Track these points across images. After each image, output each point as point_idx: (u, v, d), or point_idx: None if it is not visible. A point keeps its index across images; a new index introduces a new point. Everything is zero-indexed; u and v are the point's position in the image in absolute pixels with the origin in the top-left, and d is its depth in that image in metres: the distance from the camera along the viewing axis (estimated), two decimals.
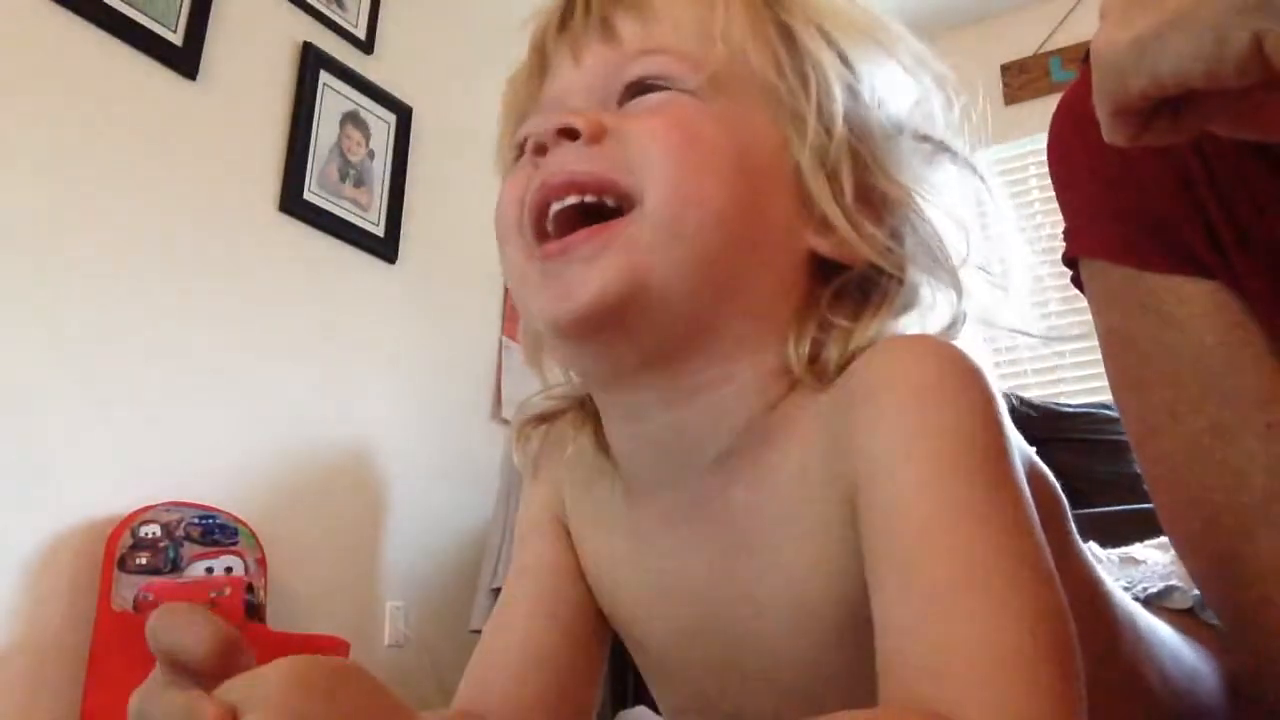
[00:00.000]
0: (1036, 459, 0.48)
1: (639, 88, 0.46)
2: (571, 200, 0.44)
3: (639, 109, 0.46)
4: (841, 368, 0.44)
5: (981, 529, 0.36)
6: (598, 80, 0.47)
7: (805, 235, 0.47)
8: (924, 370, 0.41)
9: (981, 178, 0.51)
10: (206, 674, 0.29)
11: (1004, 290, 0.50)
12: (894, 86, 0.50)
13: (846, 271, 0.48)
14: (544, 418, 0.56)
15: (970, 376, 0.41)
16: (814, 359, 0.45)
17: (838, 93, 0.47)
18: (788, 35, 0.48)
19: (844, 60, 0.48)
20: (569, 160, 0.44)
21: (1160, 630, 0.56)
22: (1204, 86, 0.36)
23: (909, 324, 0.48)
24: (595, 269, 0.42)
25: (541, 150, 0.45)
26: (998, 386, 0.41)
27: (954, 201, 0.49)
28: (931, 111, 0.51)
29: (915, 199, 0.47)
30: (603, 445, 0.52)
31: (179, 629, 0.30)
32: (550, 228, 0.45)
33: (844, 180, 0.46)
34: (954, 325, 0.48)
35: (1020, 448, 0.44)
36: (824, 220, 0.47)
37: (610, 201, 0.43)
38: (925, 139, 0.50)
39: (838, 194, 0.46)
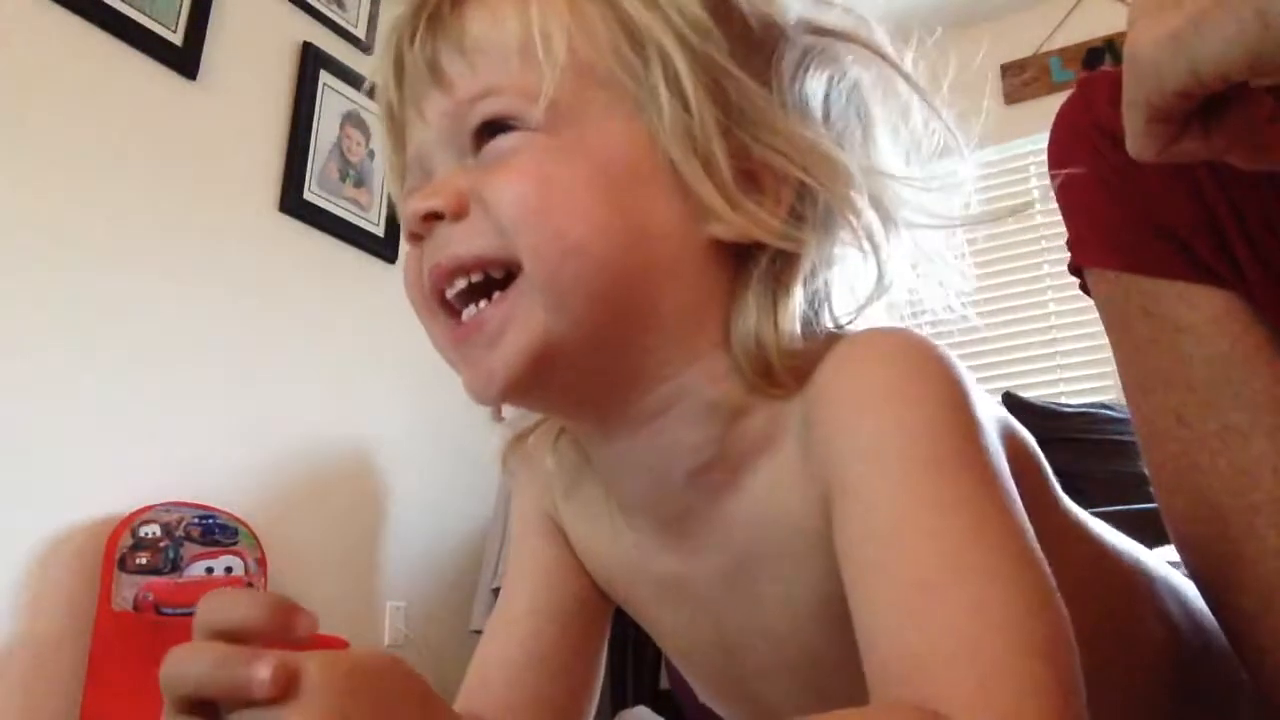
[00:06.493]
0: (1013, 421, 0.46)
1: (487, 129, 0.44)
2: (460, 283, 0.43)
3: (490, 159, 0.43)
4: (798, 369, 0.43)
5: (954, 522, 0.36)
6: (446, 131, 0.45)
7: (704, 226, 0.44)
8: (885, 370, 0.40)
9: (888, 59, 0.47)
10: (266, 641, 0.29)
11: (948, 191, 0.47)
12: (755, 10, 0.46)
13: (765, 249, 0.45)
14: (526, 432, 0.56)
15: (933, 366, 0.40)
16: (765, 371, 0.43)
17: (681, 59, 0.43)
18: (615, 14, 0.44)
19: (681, 15, 0.43)
20: (448, 243, 0.43)
21: (1182, 586, 0.56)
22: (1246, 76, 0.35)
23: (836, 288, 0.47)
24: (500, 350, 0.42)
25: (417, 239, 0.45)
26: (964, 372, 0.41)
27: (877, 109, 0.47)
28: (816, 4, 0.48)
29: (798, 159, 0.44)
30: (582, 450, 0.52)
31: (229, 606, 0.30)
32: (454, 302, 0.44)
33: (719, 159, 0.43)
34: (881, 280, 0.46)
35: (996, 415, 0.43)
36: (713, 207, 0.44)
37: (496, 273, 0.43)
38: (815, 32, 0.47)
39: (715, 175, 0.43)
